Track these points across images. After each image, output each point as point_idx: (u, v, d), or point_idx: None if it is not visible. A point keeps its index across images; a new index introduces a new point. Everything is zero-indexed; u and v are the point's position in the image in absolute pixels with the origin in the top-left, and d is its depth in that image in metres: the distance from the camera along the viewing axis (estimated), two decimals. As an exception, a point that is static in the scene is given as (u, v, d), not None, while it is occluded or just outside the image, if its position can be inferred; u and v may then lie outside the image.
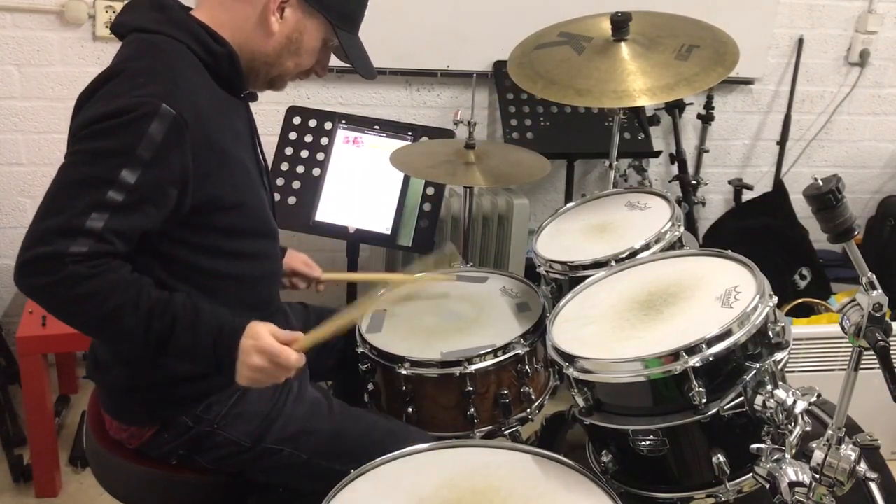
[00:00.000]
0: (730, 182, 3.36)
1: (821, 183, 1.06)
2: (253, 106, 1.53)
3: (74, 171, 1.22)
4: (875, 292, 1.07)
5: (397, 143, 2.39)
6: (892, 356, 1.07)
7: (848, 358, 1.12)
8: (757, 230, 3.08)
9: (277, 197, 2.33)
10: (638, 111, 2.86)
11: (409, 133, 2.45)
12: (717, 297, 1.38)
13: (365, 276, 2.36)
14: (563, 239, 1.81)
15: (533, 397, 1.63)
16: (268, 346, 1.27)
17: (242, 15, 1.37)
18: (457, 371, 1.55)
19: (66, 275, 1.18)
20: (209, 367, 1.29)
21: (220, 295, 1.38)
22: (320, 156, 2.44)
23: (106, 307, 1.21)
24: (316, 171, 2.43)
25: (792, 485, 1.17)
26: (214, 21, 1.36)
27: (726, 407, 1.25)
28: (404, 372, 1.57)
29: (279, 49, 1.40)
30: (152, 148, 1.21)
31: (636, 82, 1.70)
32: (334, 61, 1.51)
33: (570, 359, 1.36)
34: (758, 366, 1.26)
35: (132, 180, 1.21)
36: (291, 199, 2.40)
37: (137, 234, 1.25)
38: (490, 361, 1.57)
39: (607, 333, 1.41)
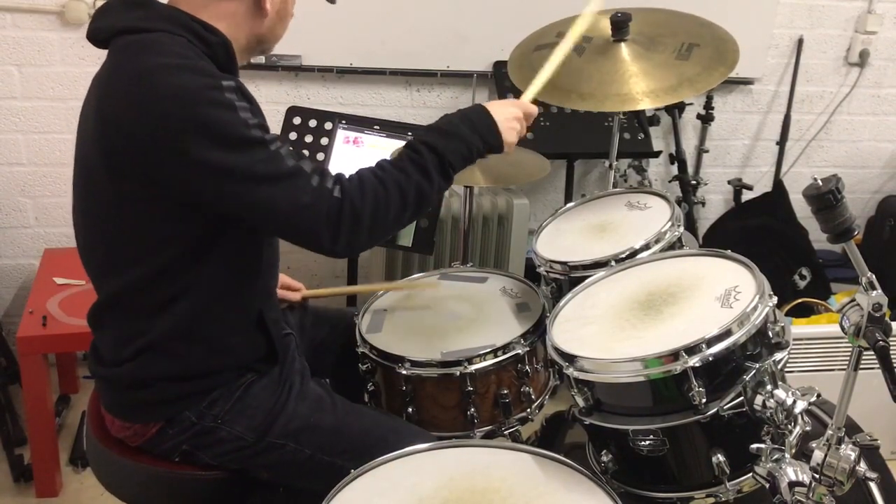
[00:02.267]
0: (729, 182, 3.36)
1: (820, 183, 1.06)
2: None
3: (247, 168, 1.23)
4: (875, 292, 1.07)
5: (397, 143, 2.39)
6: (892, 356, 1.08)
7: (848, 358, 1.12)
8: (757, 230, 3.08)
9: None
10: (638, 111, 2.86)
11: (409, 133, 2.45)
12: (717, 297, 1.38)
13: (345, 290, 2.37)
14: (563, 239, 1.81)
15: (533, 397, 1.63)
16: (513, 103, 1.50)
17: (229, 10, 1.35)
18: (457, 371, 1.55)
19: (346, 204, 1.27)
20: (485, 146, 1.43)
21: (254, 279, 1.43)
22: (320, 156, 2.45)
23: (409, 206, 1.33)
24: (316, 172, 2.43)
25: (792, 485, 1.17)
26: (199, 14, 1.33)
27: (726, 407, 1.25)
28: (404, 372, 1.57)
29: (272, 25, 1.41)
30: (244, 109, 1.25)
31: (639, 84, 1.70)
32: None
33: (570, 359, 1.36)
34: (757, 366, 1.27)
35: (267, 133, 1.26)
36: (291, 199, 2.40)
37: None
38: (490, 361, 1.57)
39: (607, 333, 1.41)
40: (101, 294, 1.43)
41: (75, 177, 1.40)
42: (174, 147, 1.22)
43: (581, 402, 1.38)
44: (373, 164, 1.37)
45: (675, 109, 3.18)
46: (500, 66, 2.90)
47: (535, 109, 1.54)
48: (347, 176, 1.32)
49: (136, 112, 1.23)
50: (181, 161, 1.22)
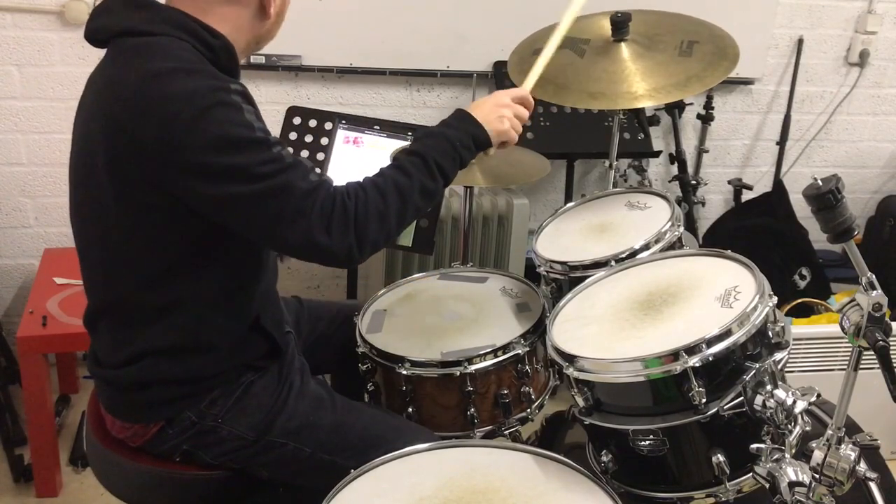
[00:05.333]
0: (729, 182, 3.36)
1: (820, 183, 1.06)
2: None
3: (249, 167, 1.23)
4: (875, 292, 1.07)
5: (397, 143, 2.39)
6: (892, 356, 1.08)
7: (848, 358, 1.12)
8: (757, 230, 3.08)
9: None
10: (638, 111, 2.86)
11: (409, 133, 2.45)
12: (717, 297, 1.38)
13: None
14: (563, 239, 1.81)
15: (533, 397, 1.63)
16: (497, 93, 1.50)
17: (233, 15, 1.35)
18: (457, 371, 1.55)
19: (351, 211, 1.28)
20: (468, 136, 1.44)
21: (251, 285, 1.43)
22: (320, 156, 2.44)
23: (391, 202, 1.32)
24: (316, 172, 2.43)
25: (792, 485, 1.17)
26: (204, 17, 1.33)
27: (726, 407, 1.25)
28: (404, 372, 1.57)
29: (272, 26, 1.42)
30: (249, 112, 1.26)
31: (647, 81, 1.69)
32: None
33: (570, 359, 1.36)
34: (757, 366, 1.27)
35: (276, 147, 1.27)
36: (291, 199, 2.39)
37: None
38: (490, 361, 1.57)
39: (607, 333, 1.41)
40: (95, 298, 1.42)
41: (72, 179, 1.39)
42: (181, 148, 1.21)
43: (581, 402, 1.38)
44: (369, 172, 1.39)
45: (675, 109, 3.17)
46: (500, 66, 2.90)
47: (525, 92, 1.55)
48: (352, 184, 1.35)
49: (143, 114, 1.22)
50: (187, 162, 1.22)
